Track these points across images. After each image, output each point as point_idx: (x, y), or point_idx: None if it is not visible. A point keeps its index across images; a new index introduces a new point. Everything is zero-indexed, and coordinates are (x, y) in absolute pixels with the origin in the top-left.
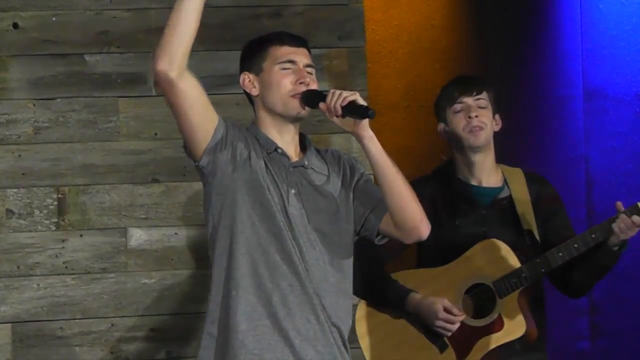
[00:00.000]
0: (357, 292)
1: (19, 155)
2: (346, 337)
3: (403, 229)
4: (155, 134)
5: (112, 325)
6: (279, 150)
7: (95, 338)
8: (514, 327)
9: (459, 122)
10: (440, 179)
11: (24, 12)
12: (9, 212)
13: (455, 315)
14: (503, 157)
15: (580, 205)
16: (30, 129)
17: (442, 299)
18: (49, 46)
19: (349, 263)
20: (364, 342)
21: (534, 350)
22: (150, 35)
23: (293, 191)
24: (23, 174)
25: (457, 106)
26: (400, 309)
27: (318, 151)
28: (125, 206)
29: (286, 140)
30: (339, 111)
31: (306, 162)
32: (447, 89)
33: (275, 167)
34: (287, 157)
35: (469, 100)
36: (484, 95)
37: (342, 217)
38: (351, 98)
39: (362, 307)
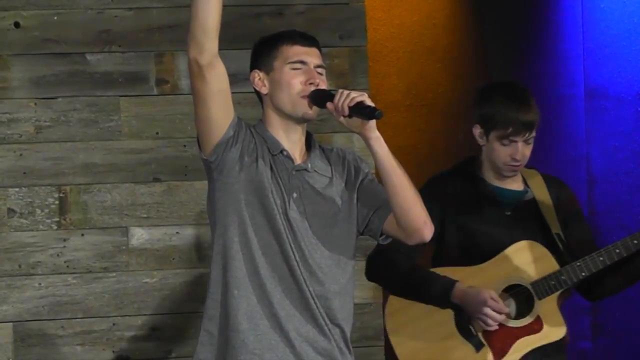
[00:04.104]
0: (390, 286)
1: (21, 155)
2: (349, 338)
3: (406, 231)
4: (157, 133)
5: (114, 324)
6: (284, 153)
7: (96, 337)
8: (554, 329)
9: (500, 153)
10: (464, 177)
11: (25, 11)
12: (11, 211)
13: (501, 306)
14: None
15: (582, 204)
16: (31, 128)
17: (489, 290)
18: (51, 45)
19: (352, 264)
20: (395, 338)
21: (560, 352)
22: (152, 34)
23: (295, 195)
24: (24, 173)
25: (506, 141)
26: (443, 300)
27: (323, 150)
28: (126, 205)
29: (292, 141)
30: (346, 111)
31: (309, 165)
32: (506, 113)
33: (279, 169)
34: (292, 159)
35: (519, 142)
36: (534, 134)
37: (345, 219)
38: (359, 99)
39: (392, 304)
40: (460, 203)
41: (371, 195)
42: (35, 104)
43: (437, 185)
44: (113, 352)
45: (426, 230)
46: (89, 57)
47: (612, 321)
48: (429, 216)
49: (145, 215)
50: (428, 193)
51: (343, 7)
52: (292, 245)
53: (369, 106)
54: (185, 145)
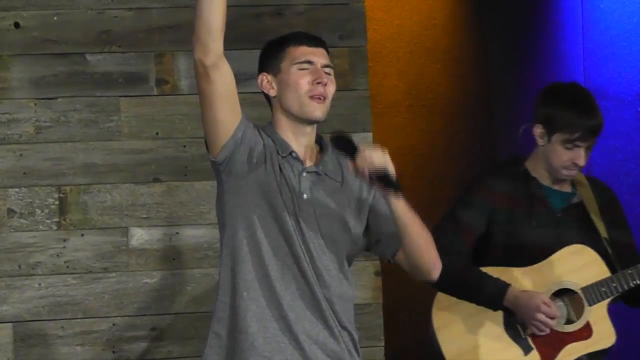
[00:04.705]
0: (441, 285)
1: (21, 155)
2: (357, 340)
3: (416, 271)
4: (157, 133)
5: (114, 324)
6: (294, 154)
7: (96, 337)
8: (604, 336)
9: (562, 156)
10: (514, 176)
11: (25, 11)
12: (11, 211)
13: (554, 311)
14: (504, 157)
15: None
16: (31, 129)
17: (541, 294)
18: (51, 45)
19: (350, 270)
20: (441, 336)
21: (603, 357)
22: (152, 35)
23: (305, 196)
24: (24, 173)
25: (569, 145)
26: (495, 303)
27: (335, 154)
28: (126, 206)
29: (301, 143)
30: (366, 175)
31: (320, 168)
32: (574, 117)
33: (288, 171)
34: (301, 161)
35: (582, 148)
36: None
37: (352, 225)
38: (380, 166)
39: (439, 301)
40: (511, 201)
41: (383, 218)
42: (35, 104)
43: (487, 182)
44: (113, 352)
45: (435, 272)
46: (88, 57)
47: (613, 321)
48: (439, 259)
49: (145, 216)
50: (477, 190)
51: (343, 7)
52: (302, 247)
53: (389, 178)
54: (185, 146)
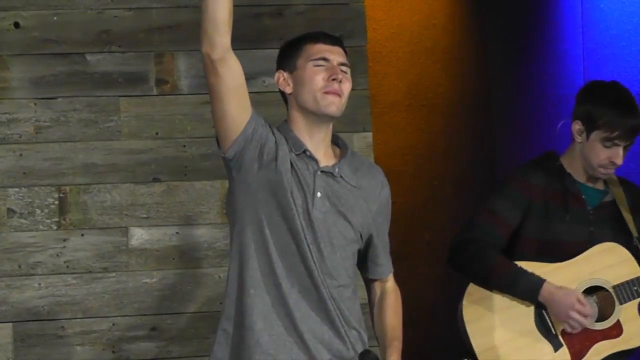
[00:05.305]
0: (475, 278)
1: (20, 155)
2: (366, 340)
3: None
4: (157, 133)
5: (113, 324)
6: (308, 153)
7: (96, 337)
8: (634, 336)
9: (599, 154)
10: (549, 171)
11: (25, 11)
12: (10, 211)
13: (588, 310)
14: (504, 157)
15: None
16: (31, 129)
17: (576, 292)
18: (50, 45)
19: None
20: (472, 328)
21: (626, 357)
22: (152, 35)
23: (319, 194)
24: (24, 173)
25: (608, 144)
26: (530, 298)
27: (353, 157)
28: (126, 205)
29: (316, 141)
30: None
31: (336, 170)
32: (615, 116)
33: (301, 169)
34: (315, 160)
35: (620, 147)
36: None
37: (359, 229)
38: None
39: (470, 294)
40: (546, 195)
41: (380, 231)
42: (35, 104)
43: (523, 176)
44: (113, 352)
45: None
46: (88, 57)
47: None
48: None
49: (145, 216)
50: (513, 181)
51: (343, 7)
52: (310, 246)
53: None
54: (185, 146)
